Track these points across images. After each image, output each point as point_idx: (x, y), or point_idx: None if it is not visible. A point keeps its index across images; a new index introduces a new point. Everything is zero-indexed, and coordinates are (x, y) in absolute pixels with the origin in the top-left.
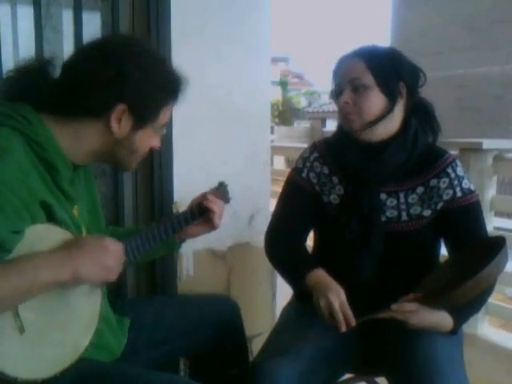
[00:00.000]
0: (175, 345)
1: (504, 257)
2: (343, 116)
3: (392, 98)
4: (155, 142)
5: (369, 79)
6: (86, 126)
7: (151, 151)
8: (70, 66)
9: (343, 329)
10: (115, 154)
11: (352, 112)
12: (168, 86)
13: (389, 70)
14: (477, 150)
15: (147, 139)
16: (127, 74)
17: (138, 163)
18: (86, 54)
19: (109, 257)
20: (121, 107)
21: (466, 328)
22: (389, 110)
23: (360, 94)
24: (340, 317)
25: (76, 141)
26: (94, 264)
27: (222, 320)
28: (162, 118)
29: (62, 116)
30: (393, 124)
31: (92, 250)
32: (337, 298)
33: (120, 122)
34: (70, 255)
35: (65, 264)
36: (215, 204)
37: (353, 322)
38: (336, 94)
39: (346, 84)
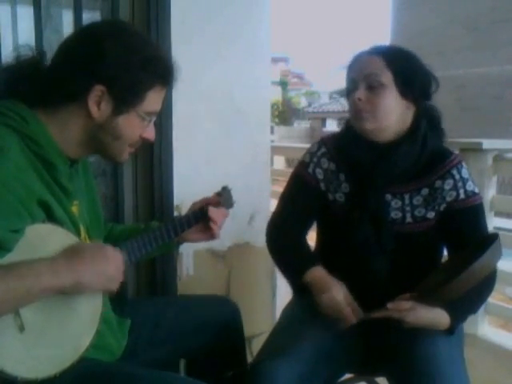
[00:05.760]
0: (175, 345)
1: (496, 249)
2: (355, 113)
3: (408, 100)
4: (145, 132)
5: (387, 77)
6: (70, 113)
7: (145, 142)
8: (55, 54)
9: (353, 321)
10: (101, 142)
11: (365, 110)
12: (153, 68)
13: (407, 69)
14: (477, 150)
15: (132, 125)
16: (105, 50)
17: (131, 155)
18: (68, 38)
19: (109, 266)
20: (99, 88)
21: (466, 328)
22: (403, 113)
23: (376, 92)
24: (347, 310)
25: (64, 132)
26: (95, 272)
27: (222, 321)
28: (148, 103)
29: (49, 108)
30: (403, 125)
31: (93, 258)
32: (340, 292)
33: (99, 105)
34: (72, 262)
35: (66, 271)
36: (217, 214)
37: (360, 315)
38: (349, 91)
39: (361, 80)
